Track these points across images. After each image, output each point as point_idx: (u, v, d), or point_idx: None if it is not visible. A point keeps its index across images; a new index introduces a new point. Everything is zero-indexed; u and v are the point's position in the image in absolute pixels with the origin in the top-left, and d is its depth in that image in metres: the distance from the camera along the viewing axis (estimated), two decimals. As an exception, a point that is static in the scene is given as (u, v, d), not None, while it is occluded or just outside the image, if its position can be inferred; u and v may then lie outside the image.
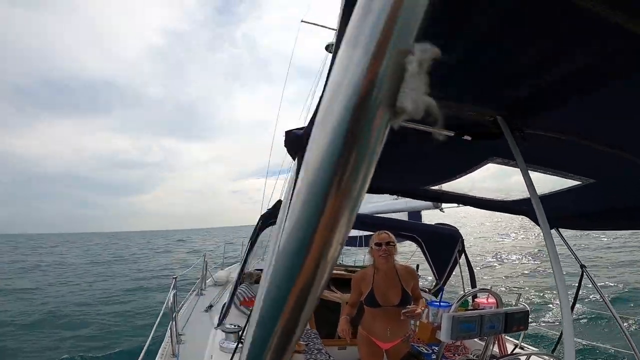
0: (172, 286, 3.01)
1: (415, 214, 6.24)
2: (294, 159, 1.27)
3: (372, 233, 2.80)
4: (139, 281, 15.11)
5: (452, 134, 1.14)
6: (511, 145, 1.05)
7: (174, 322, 2.90)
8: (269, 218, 3.45)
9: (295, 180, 0.99)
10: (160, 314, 3.19)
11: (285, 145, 1.27)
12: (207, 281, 5.13)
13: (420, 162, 1.71)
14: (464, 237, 4.08)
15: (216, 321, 3.19)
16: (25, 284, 14.80)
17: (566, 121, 1.08)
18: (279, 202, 3.29)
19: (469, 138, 1.17)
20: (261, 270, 4.51)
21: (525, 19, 0.64)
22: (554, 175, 1.60)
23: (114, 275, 17.21)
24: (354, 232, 7.03)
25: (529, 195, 1.11)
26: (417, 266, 4.35)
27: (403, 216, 5.99)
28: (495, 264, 16.12)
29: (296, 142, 1.22)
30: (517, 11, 0.61)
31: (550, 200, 1.92)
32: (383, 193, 2.16)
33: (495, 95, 0.99)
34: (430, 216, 6.05)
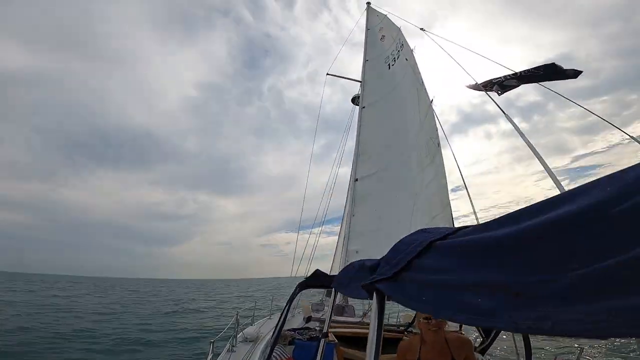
0: (209, 351, 2.99)
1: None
2: (370, 298, 1.37)
3: None
4: (171, 331, 14.91)
5: None
6: None
7: None
8: (306, 286, 3.42)
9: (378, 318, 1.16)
10: None
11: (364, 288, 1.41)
12: (237, 336, 5.08)
13: None
14: None
15: None
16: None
17: None
18: (317, 271, 3.31)
19: None
20: (293, 330, 4.51)
21: None
22: None
23: (149, 324, 17.10)
24: None
25: None
26: (461, 325, 4.11)
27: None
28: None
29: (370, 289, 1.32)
30: None
31: None
32: None
33: None
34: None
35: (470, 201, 5.54)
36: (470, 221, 5.30)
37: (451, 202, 6.05)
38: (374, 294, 1.32)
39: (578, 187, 0.70)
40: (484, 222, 1.05)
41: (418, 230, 1.31)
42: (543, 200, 0.74)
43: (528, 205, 0.80)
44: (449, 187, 5.76)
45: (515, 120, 4.41)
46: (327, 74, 9.53)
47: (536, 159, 3.34)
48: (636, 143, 3.18)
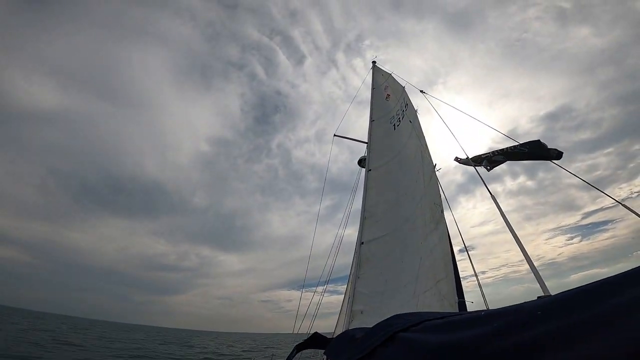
0: None
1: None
2: None
3: None
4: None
5: None
6: None
7: None
8: (303, 348, 3.39)
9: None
10: None
11: None
12: None
13: None
14: None
15: None
16: None
17: None
18: (316, 334, 3.30)
19: None
20: None
21: None
22: None
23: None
24: None
25: None
26: None
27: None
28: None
29: None
30: None
31: None
32: None
33: None
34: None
35: (472, 265, 5.60)
36: (474, 283, 5.32)
37: (459, 262, 6.05)
38: None
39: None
40: (449, 314, 1.16)
41: (394, 316, 1.39)
42: (482, 315, 0.86)
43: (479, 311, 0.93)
44: (456, 249, 5.84)
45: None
46: (335, 135, 9.57)
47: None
48: None
